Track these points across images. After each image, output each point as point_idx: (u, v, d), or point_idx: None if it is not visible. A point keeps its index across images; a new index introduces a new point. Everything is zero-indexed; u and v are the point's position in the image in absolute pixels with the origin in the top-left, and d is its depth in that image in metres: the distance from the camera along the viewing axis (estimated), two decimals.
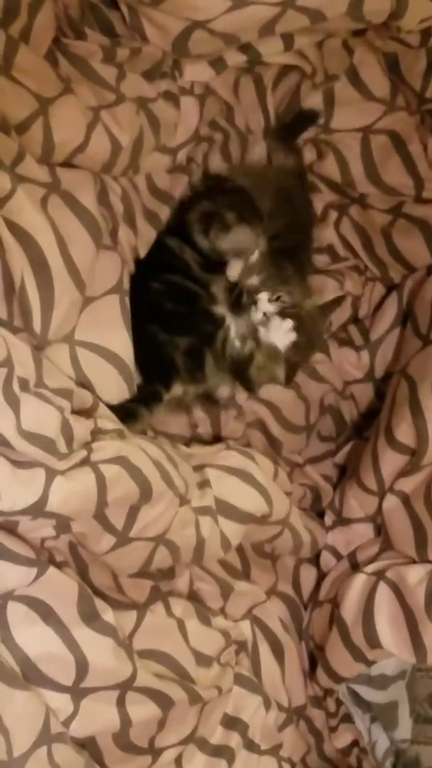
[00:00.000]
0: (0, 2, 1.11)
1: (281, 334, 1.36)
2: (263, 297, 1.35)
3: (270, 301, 1.35)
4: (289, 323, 1.35)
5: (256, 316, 1.35)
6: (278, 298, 1.35)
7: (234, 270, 1.37)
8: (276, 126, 1.54)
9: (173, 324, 1.34)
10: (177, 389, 1.35)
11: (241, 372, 1.40)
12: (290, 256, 1.44)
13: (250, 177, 1.49)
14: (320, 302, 1.45)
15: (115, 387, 1.20)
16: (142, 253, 1.35)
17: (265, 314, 1.35)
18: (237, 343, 1.38)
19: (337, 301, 1.55)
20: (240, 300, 1.35)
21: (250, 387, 1.43)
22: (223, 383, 1.43)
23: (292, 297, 1.37)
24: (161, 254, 1.39)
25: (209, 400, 1.44)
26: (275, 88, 1.53)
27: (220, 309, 1.38)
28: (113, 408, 1.19)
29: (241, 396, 1.50)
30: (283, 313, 1.35)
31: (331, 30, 1.38)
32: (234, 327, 1.38)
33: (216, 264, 1.38)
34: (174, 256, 1.40)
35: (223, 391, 1.46)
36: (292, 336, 1.36)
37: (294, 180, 1.56)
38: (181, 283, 1.37)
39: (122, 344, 1.21)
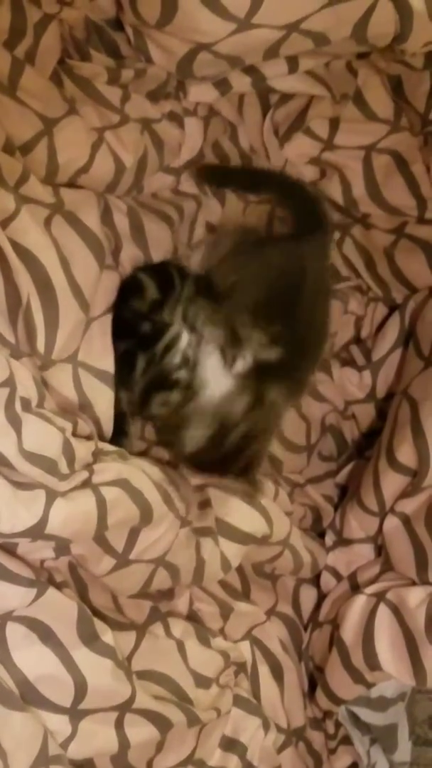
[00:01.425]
0: (6, 23, 1.12)
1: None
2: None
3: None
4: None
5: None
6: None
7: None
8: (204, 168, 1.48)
9: (123, 330, 1.25)
10: (124, 396, 1.26)
11: (148, 392, 1.26)
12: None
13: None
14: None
15: (111, 407, 1.20)
16: None
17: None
18: (176, 359, 1.24)
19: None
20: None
21: (142, 411, 1.28)
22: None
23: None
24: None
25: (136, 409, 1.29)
26: (279, 109, 1.53)
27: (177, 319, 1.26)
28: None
29: None
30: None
31: (336, 53, 1.38)
32: (186, 337, 1.25)
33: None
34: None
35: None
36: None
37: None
38: (138, 276, 1.29)
39: (113, 365, 1.20)
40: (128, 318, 1.25)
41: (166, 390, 1.24)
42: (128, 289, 1.27)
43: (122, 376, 1.23)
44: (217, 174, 1.50)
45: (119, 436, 1.23)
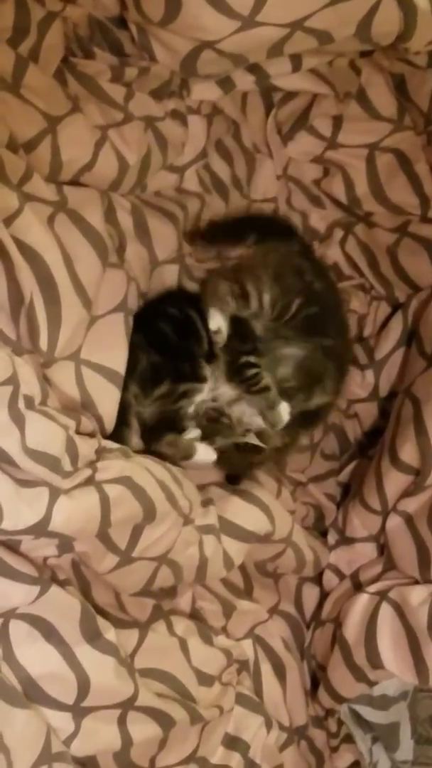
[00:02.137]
0: (10, 21, 1.12)
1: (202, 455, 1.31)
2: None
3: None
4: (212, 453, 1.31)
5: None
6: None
7: (214, 322, 1.34)
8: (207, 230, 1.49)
9: (158, 343, 1.31)
10: (133, 389, 1.28)
11: (160, 428, 1.31)
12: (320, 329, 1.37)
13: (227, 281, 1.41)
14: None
15: (115, 406, 1.20)
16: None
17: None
18: (191, 409, 1.32)
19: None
20: (243, 371, 1.30)
21: (148, 445, 1.32)
22: (152, 416, 1.34)
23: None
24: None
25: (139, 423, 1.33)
26: (282, 106, 1.54)
27: (209, 370, 1.33)
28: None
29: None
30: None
31: (340, 51, 1.38)
32: (204, 395, 1.33)
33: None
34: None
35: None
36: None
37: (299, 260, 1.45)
38: (195, 322, 1.35)
39: (123, 363, 1.20)
40: (175, 347, 1.32)
41: (175, 432, 1.30)
42: (184, 327, 1.34)
43: (143, 383, 1.29)
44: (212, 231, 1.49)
45: (122, 426, 1.23)
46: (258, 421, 1.32)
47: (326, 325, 1.39)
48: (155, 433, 1.30)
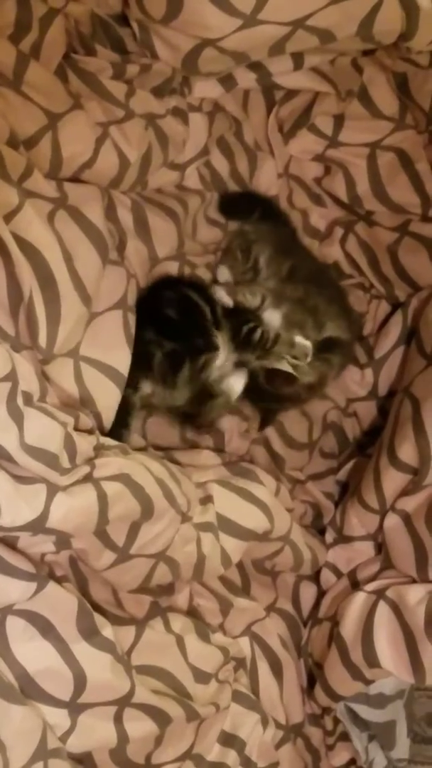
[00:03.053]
0: (11, 17, 1.12)
1: (233, 384, 1.38)
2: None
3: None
4: (242, 377, 1.38)
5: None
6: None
7: (221, 275, 1.43)
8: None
9: (167, 329, 1.34)
10: (146, 387, 1.32)
11: (199, 400, 1.37)
12: (315, 286, 1.46)
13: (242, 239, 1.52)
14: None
15: (114, 403, 1.20)
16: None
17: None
18: (215, 375, 1.37)
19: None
20: (250, 338, 1.37)
21: (196, 420, 1.41)
22: (185, 400, 1.39)
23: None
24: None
25: (171, 413, 1.41)
26: (284, 104, 1.54)
27: (221, 336, 1.37)
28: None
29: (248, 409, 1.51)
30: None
31: (342, 50, 1.38)
32: (222, 358, 1.37)
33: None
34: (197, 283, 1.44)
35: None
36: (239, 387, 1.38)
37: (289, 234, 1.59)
38: (193, 297, 1.38)
39: (123, 361, 1.21)
40: (183, 326, 1.35)
41: (214, 398, 1.36)
42: (185, 305, 1.37)
43: (164, 374, 1.33)
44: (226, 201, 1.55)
45: (120, 428, 1.23)
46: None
47: (323, 283, 1.50)
48: (195, 409, 1.38)
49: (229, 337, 1.38)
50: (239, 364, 1.38)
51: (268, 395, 1.40)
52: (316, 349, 1.38)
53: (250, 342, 1.36)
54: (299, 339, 1.37)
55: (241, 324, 1.37)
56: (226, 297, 1.39)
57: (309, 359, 1.37)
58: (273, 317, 1.38)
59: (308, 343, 1.37)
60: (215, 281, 1.47)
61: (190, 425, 1.41)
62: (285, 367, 1.35)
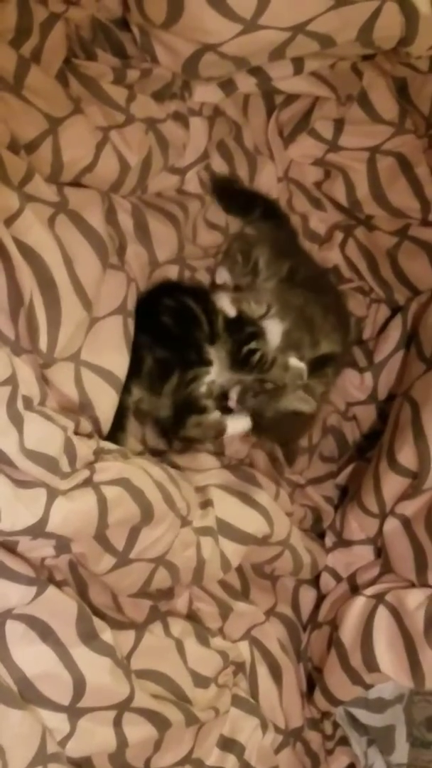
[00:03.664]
0: (12, 22, 1.12)
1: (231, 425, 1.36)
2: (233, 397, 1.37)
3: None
4: (246, 421, 1.36)
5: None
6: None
7: (220, 276, 1.45)
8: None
9: (161, 335, 1.34)
10: (136, 392, 1.32)
11: (179, 412, 1.36)
12: (314, 293, 1.46)
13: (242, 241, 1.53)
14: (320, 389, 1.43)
15: (112, 408, 1.20)
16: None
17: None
18: (203, 389, 1.36)
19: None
20: (249, 359, 1.36)
21: (175, 435, 1.39)
22: (168, 410, 1.38)
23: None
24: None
25: (156, 424, 1.40)
26: (284, 109, 1.54)
27: (214, 352, 1.37)
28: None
29: None
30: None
31: (342, 55, 1.38)
32: (213, 375, 1.37)
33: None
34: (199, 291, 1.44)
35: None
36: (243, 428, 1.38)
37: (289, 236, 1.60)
38: (192, 307, 1.38)
39: (121, 366, 1.21)
40: (178, 337, 1.35)
41: (197, 414, 1.34)
42: (182, 315, 1.37)
43: (152, 381, 1.33)
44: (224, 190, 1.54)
45: (117, 431, 1.24)
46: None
47: (321, 287, 1.51)
48: (178, 419, 1.34)
49: (226, 351, 1.38)
50: (234, 381, 1.38)
51: (282, 435, 1.41)
52: (310, 367, 1.38)
53: (248, 363, 1.35)
54: (293, 362, 1.37)
55: (241, 344, 1.36)
56: (229, 306, 1.39)
57: (304, 380, 1.37)
58: (274, 331, 1.38)
59: (303, 366, 1.37)
60: (216, 285, 1.47)
61: (167, 439, 1.39)
62: (301, 405, 1.36)
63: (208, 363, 1.36)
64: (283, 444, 1.40)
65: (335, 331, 1.46)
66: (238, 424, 1.35)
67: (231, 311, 1.38)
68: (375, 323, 1.67)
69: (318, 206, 1.66)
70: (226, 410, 1.37)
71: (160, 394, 1.34)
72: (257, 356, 1.35)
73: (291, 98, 1.53)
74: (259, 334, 1.37)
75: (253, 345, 1.35)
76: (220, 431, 1.35)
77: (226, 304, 1.39)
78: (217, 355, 1.37)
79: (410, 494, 1.35)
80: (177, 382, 1.34)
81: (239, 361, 1.36)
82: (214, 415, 1.35)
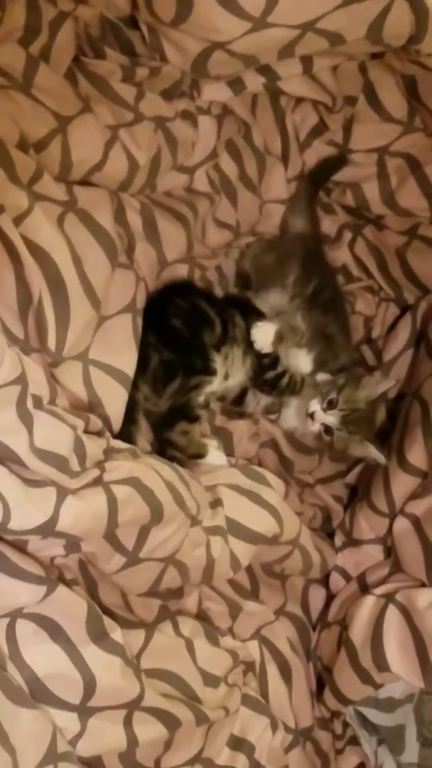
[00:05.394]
0: (21, 21, 1.12)
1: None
2: (317, 407, 1.40)
3: (325, 410, 1.40)
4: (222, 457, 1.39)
5: (313, 428, 1.42)
6: (330, 403, 1.39)
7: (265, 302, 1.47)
8: (308, 173, 1.60)
9: (169, 338, 1.34)
10: (143, 388, 1.32)
11: (172, 415, 1.36)
12: (333, 312, 1.50)
13: (274, 250, 1.56)
14: (373, 395, 1.44)
15: (122, 406, 1.20)
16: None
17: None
18: (201, 399, 1.37)
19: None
20: (277, 383, 1.41)
21: (160, 435, 1.37)
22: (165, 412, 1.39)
23: (342, 392, 1.40)
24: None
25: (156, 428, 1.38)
26: (294, 110, 1.54)
27: (219, 360, 1.38)
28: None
29: (258, 414, 1.52)
30: (345, 420, 1.40)
31: (351, 53, 1.38)
32: (214, 386, 1.39)
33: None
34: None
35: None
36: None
37: (314, 244, 1.60)
38: (205, 310, 1.38)
39: (130, 364, 1.21)
40: (185, 341, 1.36)
41: (188, 421, 1.34)
42: (193, 315, 1.37)
43: (155, 382, 1.33)
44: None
45: (129, 424, 1.24)
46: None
47: (338, 304, 1.55)
48: (168, 420, 1.34)
49: (248, 370, 1.42)
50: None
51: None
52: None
53: (277, 387, 1.41)
54: (321, 376, 1.43)
55: (266, 368, 1.41)
56: (269, 343, 1.39)
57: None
58: (306, 360, 1.43)
59: (329, 377, 1.43)
60: (256, 310, 1.47)
61: (158, 440, 1.38)
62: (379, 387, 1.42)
63: (212, 372, 1.37)
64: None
65: (348, 342, 1.52)
66: (217, 458, 1.38)
67: (268, 347, 1.40)
68: (384, 322, 1.67)
69: (327, 207, 1.66)
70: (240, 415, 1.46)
71: (162, 395, 1.34)
72: (286, 379, 1.40)
73: (301, 98, 1.53)
74: (279, 359, 1.41)
75: (279, 369, 1.40)
76: (200, 453, 1.36)
77: (267, 339, 1.39)
78: (222, 364, 1.38)
79: (420, 493, 1.35)
80: (179, 387, 1.34)
81: (268, 387, 1.42)
82: (212, 448, 1.38)
